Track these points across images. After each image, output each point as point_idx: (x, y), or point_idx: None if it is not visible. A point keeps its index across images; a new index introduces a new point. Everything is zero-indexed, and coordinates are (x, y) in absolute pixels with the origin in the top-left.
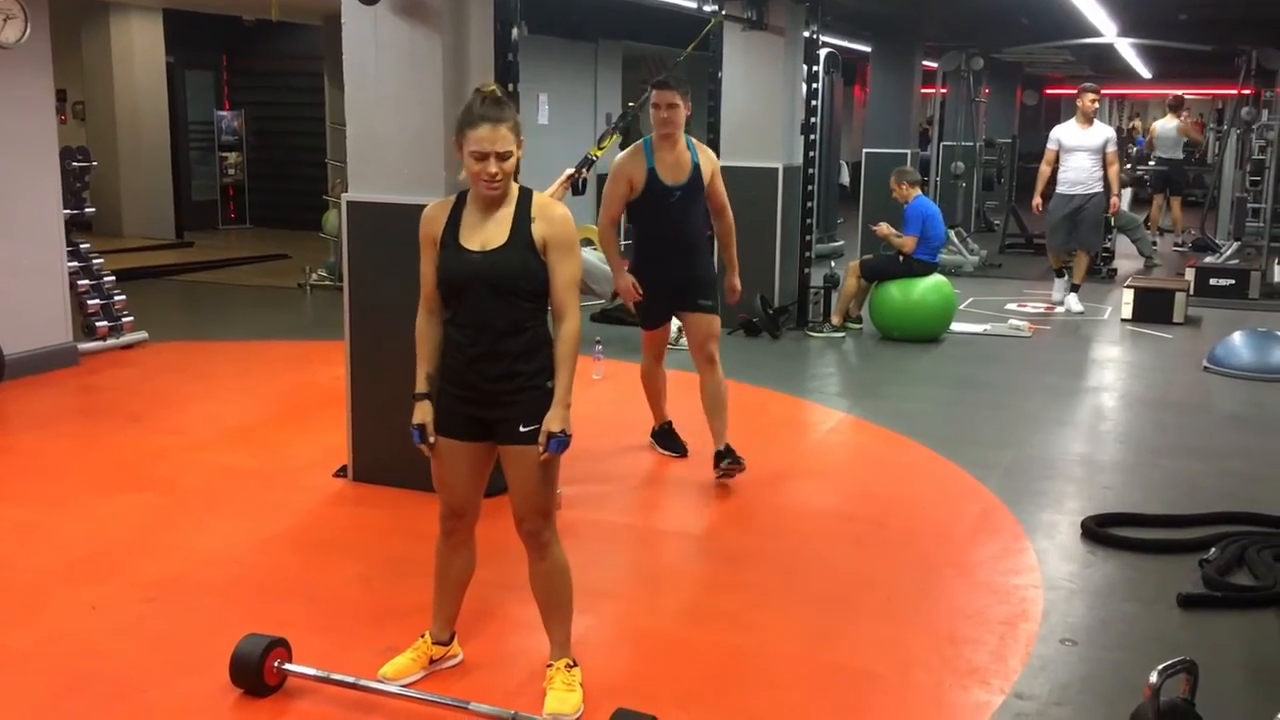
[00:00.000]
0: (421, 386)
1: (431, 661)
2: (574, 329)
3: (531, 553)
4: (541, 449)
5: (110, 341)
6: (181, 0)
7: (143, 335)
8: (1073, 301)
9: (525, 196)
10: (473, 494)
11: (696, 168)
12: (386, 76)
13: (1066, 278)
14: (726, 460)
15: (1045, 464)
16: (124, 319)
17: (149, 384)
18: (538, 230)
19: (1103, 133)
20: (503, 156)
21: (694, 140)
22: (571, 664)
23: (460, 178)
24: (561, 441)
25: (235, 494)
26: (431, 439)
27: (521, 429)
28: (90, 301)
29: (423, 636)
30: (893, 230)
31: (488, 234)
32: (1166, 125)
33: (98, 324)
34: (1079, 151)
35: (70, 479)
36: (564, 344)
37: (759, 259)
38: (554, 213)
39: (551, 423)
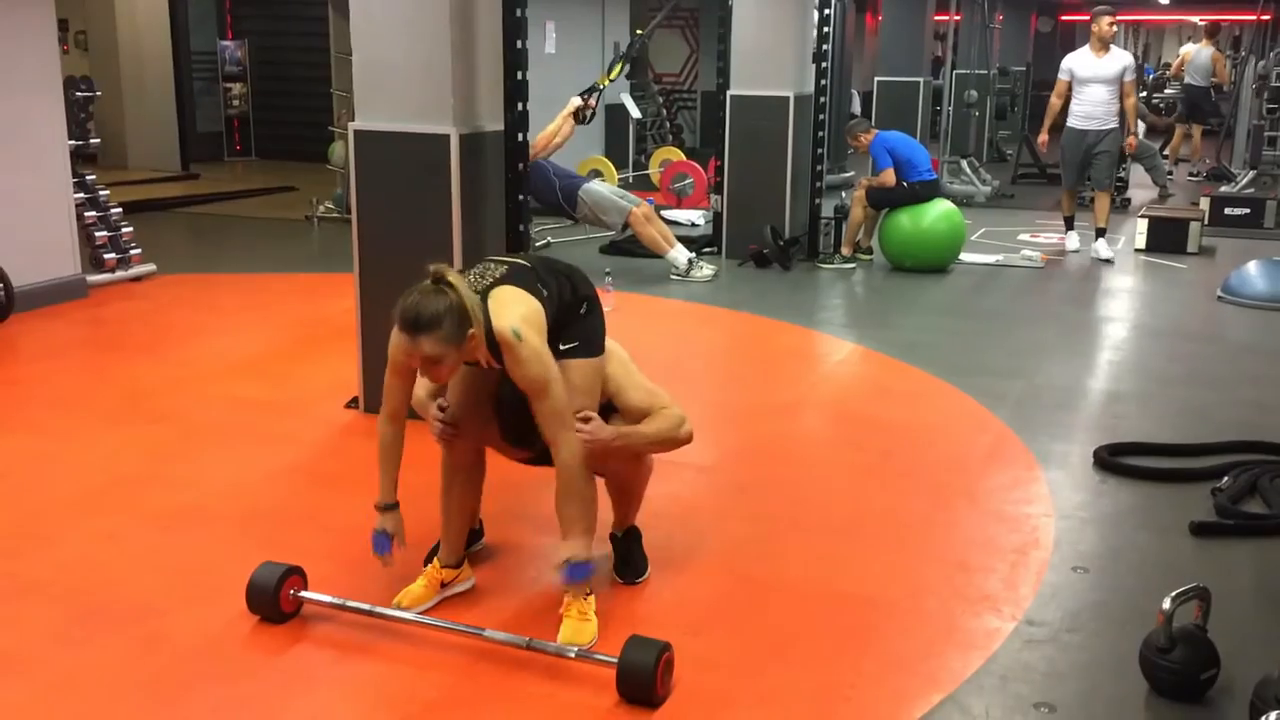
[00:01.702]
0: (388, 497)
1: (443, 585)
2: (569, 463)
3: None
4: (558, 574)
5: (118, 274)
6: None
7: (151, 268)
8: (1102, 248)
9: (492, 342)
10: (474, 408)
11: None
12: (392, 4)
13: (1076, 228)
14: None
15: (1057, 394)
16: (132, 251)
17: (158, 316)
18: (517, 374)
19: (1120, 60)
20: (436, 360)
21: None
22: (588, 592)
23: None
24: (581, 569)
25: (247, 426)
26: (399, 548)
27: (562, 346)
28: (98, 234)
29: (432, 562)
30: (870, 179)
31: (481, 377)
32: (1201, 52)
33: (105, 256)
34: (1094, 83)
35: (82, 410)
36: (563, 481)
37: (769, 189)
38: (513, 356)
39: (565, 550)
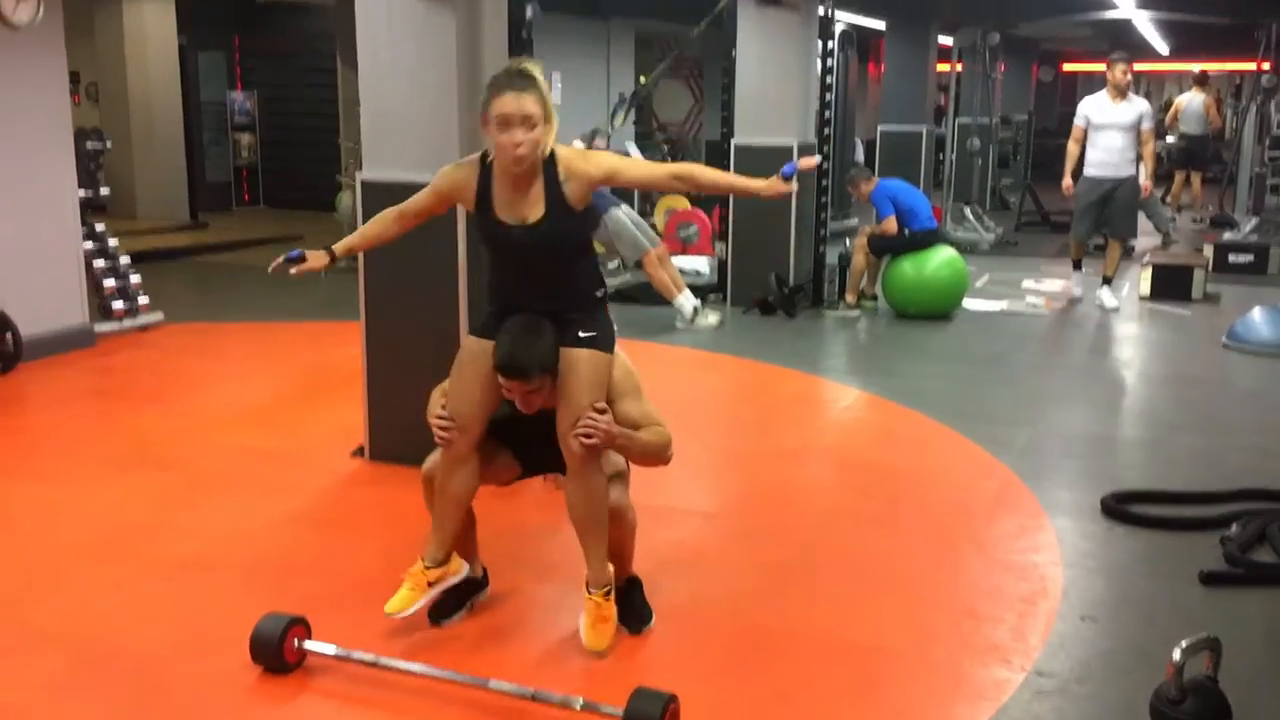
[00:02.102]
0: (335, 247)
1: (430, 585)
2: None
3: (573, 468)
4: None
5: (126, 323)
6: None
7: (158, 316)
8: (1106, 297)
9: (550, 163)
10: (480, 410)
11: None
12: (400, 55)
13: (1084, 272)
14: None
15: (1063, 440)
16: (140, 300)
17: (165, 365)
18: (572, 190)
19: (1137, 107)
20: (529, 124)
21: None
22: (608, 592)
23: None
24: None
25: (253, 474)
26: (301, 262)
27: (581, 334)
28: (106, 283)
29: (416, 563)
30: (873, 226)
31: (523, 209)
32: (1193, 99)
33: (113, 305)
34: (1110, 129)
35: (89, 459)
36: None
37: (774, 237)
38: (578, 165)
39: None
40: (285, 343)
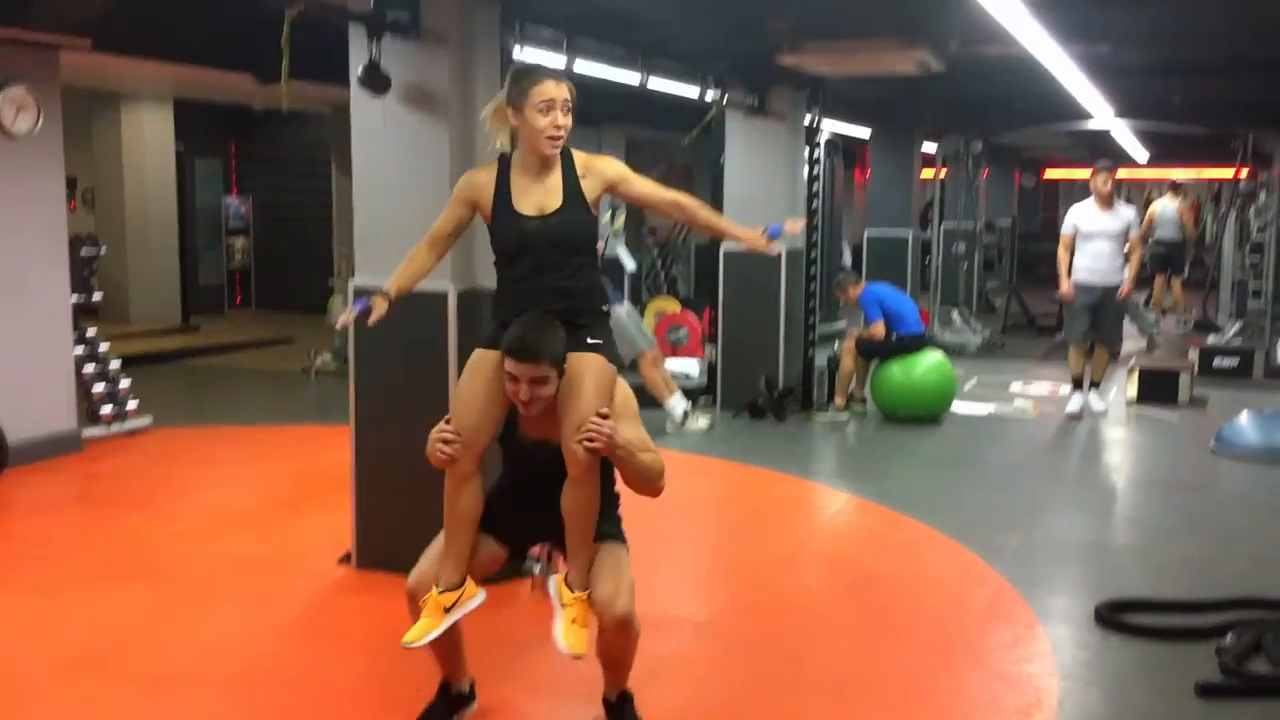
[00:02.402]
0: (389, 290)
1: (447, 611)
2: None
3: (574, 470)
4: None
5: (114, 428)
6: (193, 90)
7: (147, 421)
8: (1094, 401)
9: (567, 157)
10: (486, 423)
11: None
12: (394, 165)
13: (1084, 390)
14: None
15: (1055, 547)
16: (129, 405)
17: (152, 470)
18: (588, 186)
19: (1125, 215)
20: (567, 109)
21: None
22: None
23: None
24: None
25: (238, 582)
26: (378, 311)
27: (589, 340)
28: (95, 387)
29: (431, 591)
30: (861, 330)
31: (541, 199)
32: (1167, 207)
33: (102, 410)
34: (1099, 237)
35: (72, 567)
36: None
37: (763, 340)
38: (596, 164)
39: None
40: (274, 447)
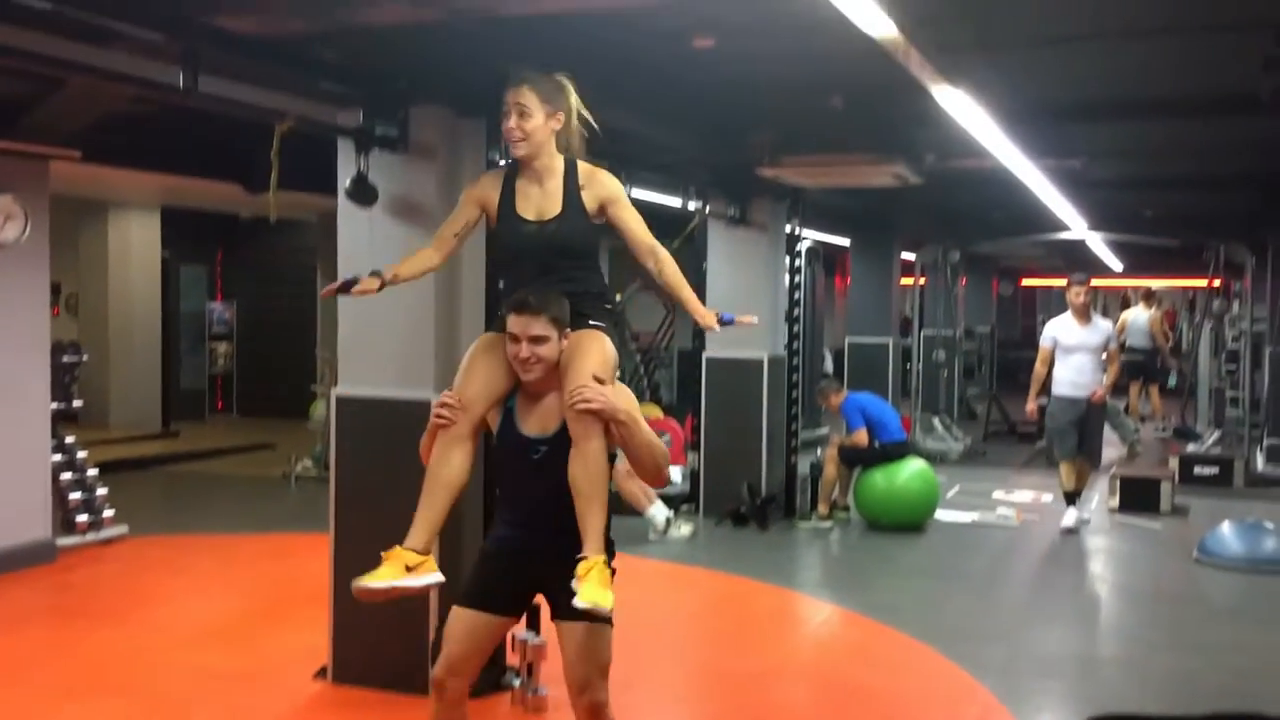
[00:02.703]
0: (384, 274)
1: (409, 569)
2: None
3: (574, 440)
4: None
5: (89, 536)
6: (180, 198)
7: (123, 529)
8: (1069, 517)
9: (571, 166)
10: (487, 389)
11: None
12: None
13: (1077, 506)
14: None
15: (1041, 660)
16: (105, 513)
17: (127, 581)
18: (588, 197)
19: (1104, 328)
20: (523, 113)
21: None
22: (606, 560)
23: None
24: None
25: (210, 699)
26: (364, 285)
27: (591, 323)
28: (72, 495)
29: (397, 547)
30: (844, 437)
31: (541, 204)
32: (1138, 316)
33: (78, 519)
34: (1079, 351)
35: (39, 685)
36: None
37: (746, 447)
38: (599, 177)
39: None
40: (251, 556)
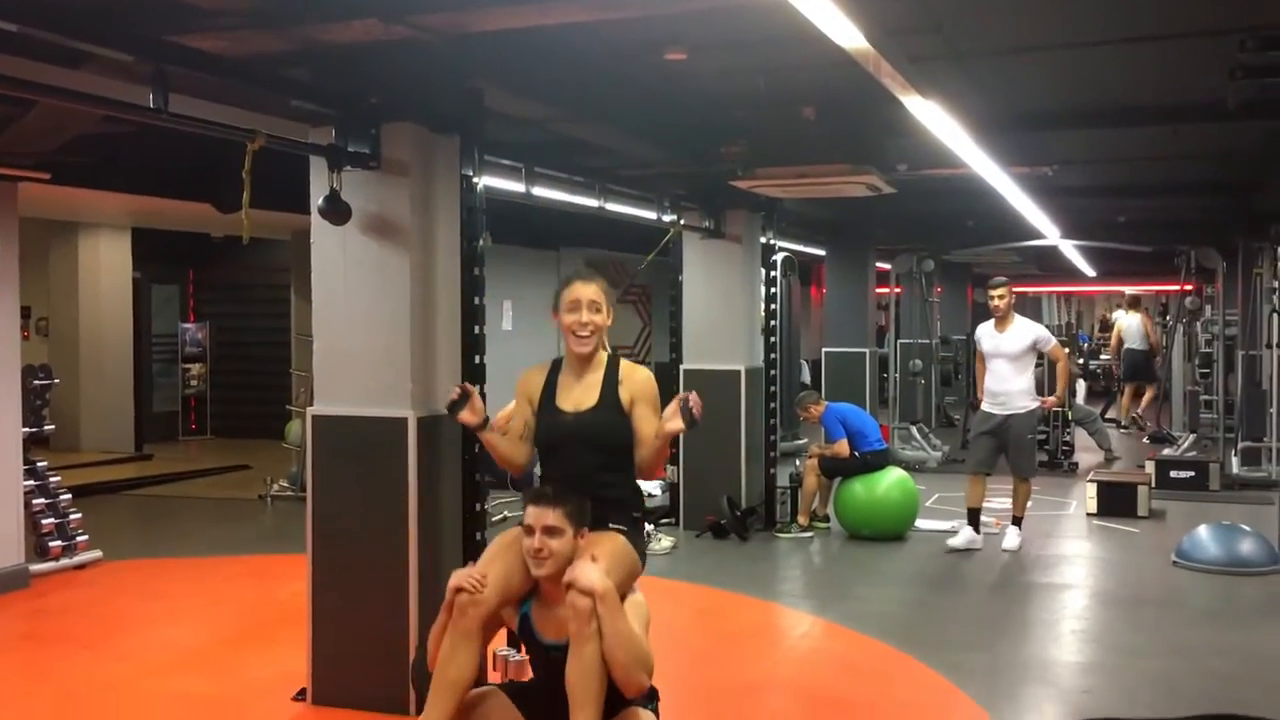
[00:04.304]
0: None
1: None
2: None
3: (571, 635)
4: None
5: (63, 562)
6: (152, 219)
7: (97, 554)
8: (1010, 538)
9: (613, 362)
10: (504, 582)
11: None
12: (355, 292)
13: (978, 525)
14: None
15: (1022, 666)
16: (78, 538)
17: (101, 606)
18: (624, 392)
19: (1027, 333)
20: (594, 308)
21: None
22: None
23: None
24: None
25: None
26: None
27: (611, 525)
28: (44, 521)
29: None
30: (824, 446)
31: (579, 396)
32: (1130, 320)
33: (51, 544)
34: (997, 358)
35: (15, 713)
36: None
37: (725, 460)
38: (638, 375)
39: None
40: (227, 578)
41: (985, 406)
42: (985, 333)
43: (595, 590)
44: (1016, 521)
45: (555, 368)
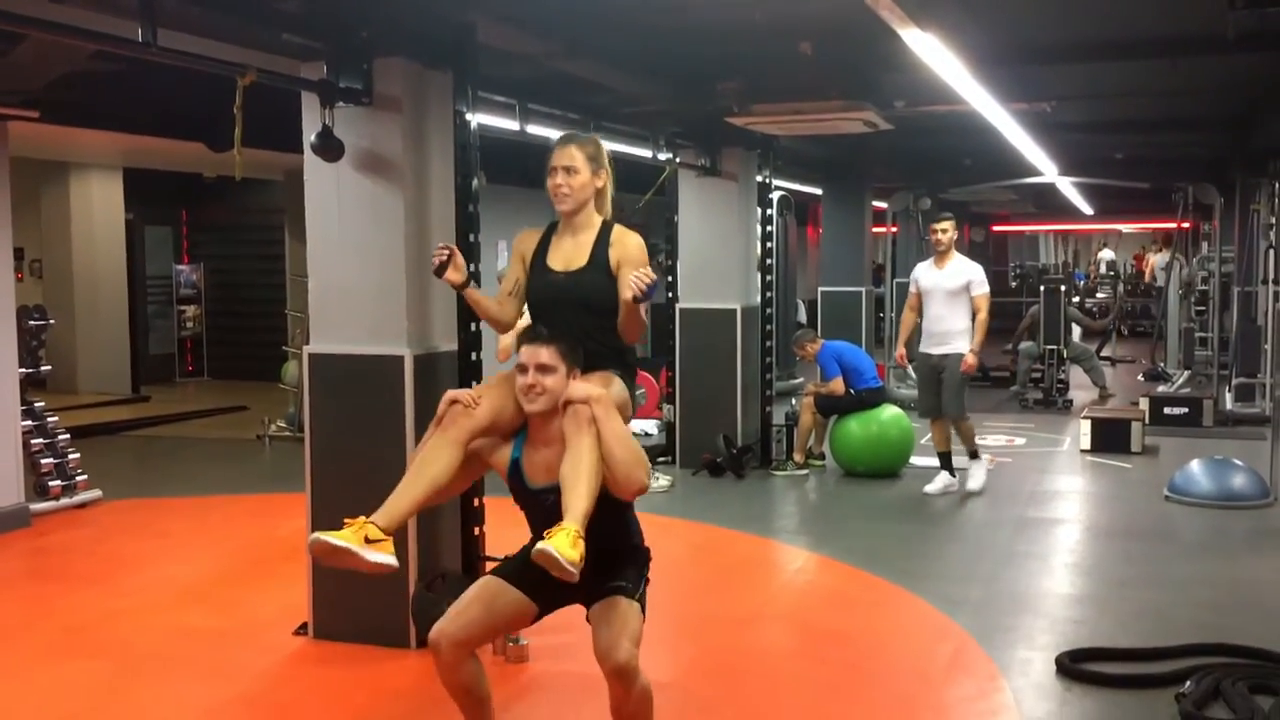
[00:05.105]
0: (468, 288)
1: (367, 541)
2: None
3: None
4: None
5: (63, 501)
6: (143, 159)
7: (97, 494)
8: (974, 475)
9: (606, 227)
10: (495, 407)
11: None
12: (349, 230)
13: (981, 460)
14: None
15: (1014, 598)
16: (78, 478)
17: (103, 544)
18: (613, 254)
19: (964, 272)
20: (570, 172)
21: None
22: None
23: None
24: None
25: (192, 657)
26: (454, 267)
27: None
28: (44, 461)
29: (361, 518)
30: (819, 384)
31: (570, 255)
32: (1162, 259)
33: (51, 484)
34: (934, 295)
35: (18, 648)
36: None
37: (721, 398)
38: (629, 240)
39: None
40: (227, 517)
41: (923, 348)
42: (923, 270)
43: (591, 395)
44: (974, 456)
45: (552, 229)
